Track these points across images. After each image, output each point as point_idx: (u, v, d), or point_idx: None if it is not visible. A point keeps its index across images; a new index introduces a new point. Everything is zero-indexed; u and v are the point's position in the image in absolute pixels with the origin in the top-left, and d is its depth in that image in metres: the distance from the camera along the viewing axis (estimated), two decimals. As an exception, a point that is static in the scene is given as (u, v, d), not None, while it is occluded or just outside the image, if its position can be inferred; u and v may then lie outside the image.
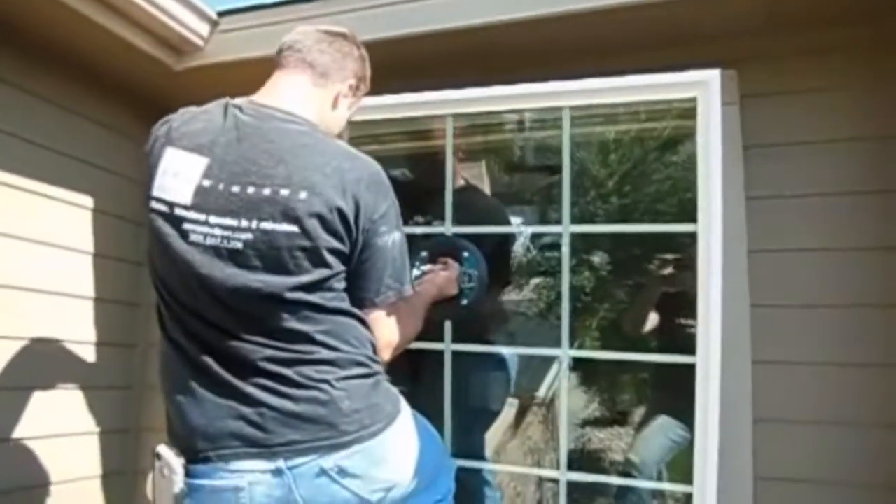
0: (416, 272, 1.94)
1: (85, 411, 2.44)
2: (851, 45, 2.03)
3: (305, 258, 1.30)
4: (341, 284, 1.37)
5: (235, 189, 1.30)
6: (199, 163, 1.31)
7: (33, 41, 2.21)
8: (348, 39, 1.57)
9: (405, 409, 1.47)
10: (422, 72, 2.21)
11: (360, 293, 1.41)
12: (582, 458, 2.11)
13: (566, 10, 1.99)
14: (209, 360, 1.31)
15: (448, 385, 2.16)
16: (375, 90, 1.73)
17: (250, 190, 1.29)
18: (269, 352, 1.30)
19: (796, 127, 2.08)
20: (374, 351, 1.43)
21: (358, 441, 1.32)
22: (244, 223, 1.28)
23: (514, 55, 2.22)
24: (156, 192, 1.33)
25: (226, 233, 1.29)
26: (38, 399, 2.25)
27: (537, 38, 2.13)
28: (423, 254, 2.02)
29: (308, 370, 1.30)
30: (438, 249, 2.04)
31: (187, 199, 1.30)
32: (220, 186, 1.30)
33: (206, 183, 1.30)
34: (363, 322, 1.42)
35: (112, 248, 2.57)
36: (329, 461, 1.30)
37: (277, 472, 1.28)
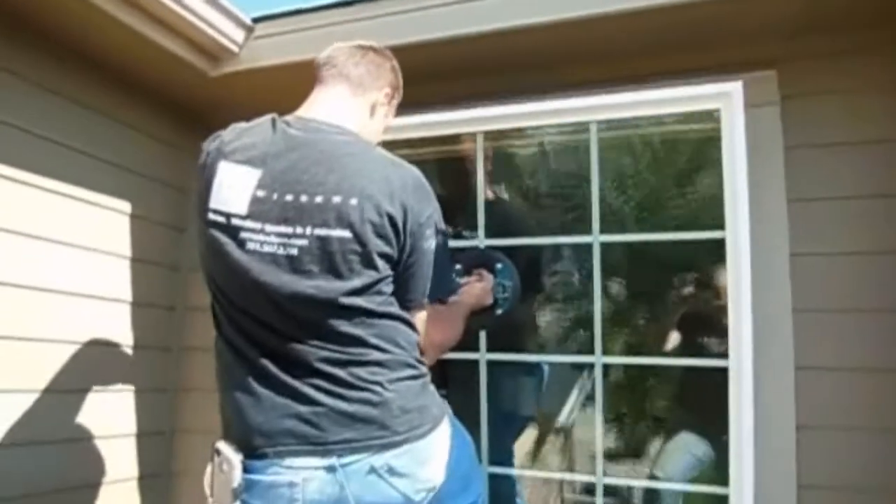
0: None
1: (122, 414, 2.49)
2: (897, 45, 2.00)
3: (357, 262, 1.37)
4: (389, 288, 1.44)
5: (289, 198, 1.37)
6: (253, 174, 1.39)
7: (73, 49, 2.27)
8: (379, 52, 1.66)
9: (448, 412, 1.53)
10: (445, 76, 2.26)
11: (406, 295, 1.47)
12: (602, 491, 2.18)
13: (605, 12, 1.98)
14: (266, 362, 1.37)
15: (484, 394, 2.27)
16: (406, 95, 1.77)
17: (303, 198, 1.37)
18: (323, 353, 1.36)
19: (841, 127, 2.04)
20: (421, 353, 1.50)
21: (407, 441, 1.38)
22: (299, 230, 1.36)
23: (547, 59, 2.23)
24: (212, 205, 1.40)
25: (282, 240, 1.36)
26: (77, 402, 2.30)
27: (573, 40, 2.13)
28: (458, 266, 2.10)
29: (361, 371, 1.37)
30: (472, 262, 2.14)
31: (243, 209, 1.38)
32: (274, 196, 1.37)
33: (261, 193, 1.38)
34: (411, 325, 1.48)
35: (148, 252, 2.62)
36: (380, 460, 1.35)
37: (330, 469, 1.34)
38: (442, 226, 1.52)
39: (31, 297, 2.17)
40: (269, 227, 1.36)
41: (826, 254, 2.01)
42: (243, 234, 1.37)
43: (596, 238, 2.18)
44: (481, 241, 2.31)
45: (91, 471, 2.34)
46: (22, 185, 2.14)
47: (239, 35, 2.36)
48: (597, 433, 2.20)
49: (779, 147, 2.04)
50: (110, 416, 2.43)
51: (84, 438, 2.32)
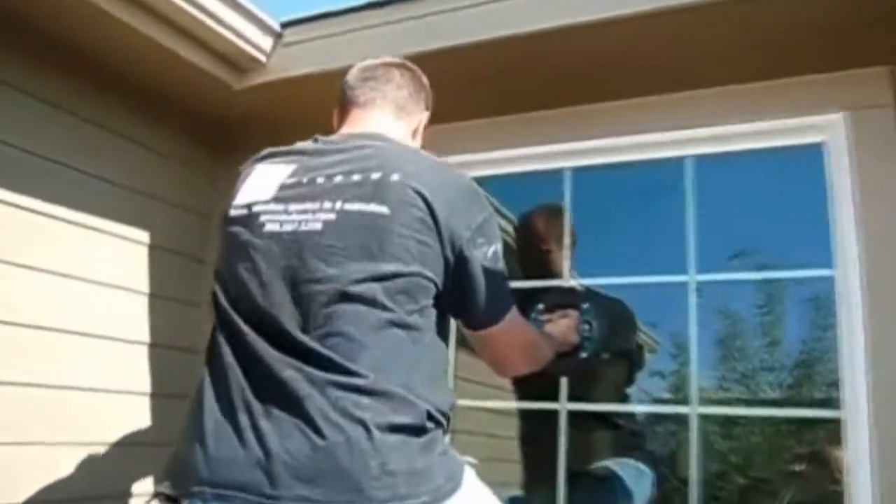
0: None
1: (138, 471, 2.49)
2: None
3: (391, 243, 1.31)
4: (425, 298, 1.36)
5: (320, 180, 1.40)
6: (285, 168, 1.45)
7: (80, 59, 2.30)
8: (416, 71, 1.71)
9: (469, 487, 1.35)
10: (494, 82, 2.29)
11: (469, 311, 1.47)
12: None
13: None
14: (237, 378, 1.30)
15: (563, 450, 2.28)
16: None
17: (337, 178, 1.39)
18: (307, 368, 1.26)
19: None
20: (448, 408, 1.38)
21: None
22: (327, 205, 1.35)
23: (617, 63, 2.21)
24: (236, 202, 1.45)
25: (304, 216, 1.36)
26: (86, 458, 2.30)
27: (653, 37, 2.08)
28: (540, 306, 2.17)
29: (345, 398, 1.23)
30: (556, 301, 2.19)
31: (268, 195, 1.41)
32: (304, 179, 1.41)
33: (290, 180, 1.42)
34: (438, 358, 1.42)
35: (169, 287, 2.66)
36: None
37: None
38: (498, 235, 1.49)
39: (38, 337, 2.20)
40: (292, 207, 1.38)
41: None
42: (263, 218, 1.39)
43: (692, 278, 2.24)
44: (566, 279, 2.38)
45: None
46: (26, 212, 2.18)
47: (266, 42, 2.38)
48: (690, 485, 2.18)
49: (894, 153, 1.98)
50: (128, 469, 2.45)
51: (99, 498, 2.33)
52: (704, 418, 2.27)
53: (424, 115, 1.71)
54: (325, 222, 1.34)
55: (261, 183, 1.45)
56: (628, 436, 2.54)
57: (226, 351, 1.34)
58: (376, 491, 1.18)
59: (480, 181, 2.61)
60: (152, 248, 2.60)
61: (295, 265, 1.33)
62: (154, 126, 2.62)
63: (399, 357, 1.31)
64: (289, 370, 1.27)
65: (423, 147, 1.67)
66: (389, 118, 1.61)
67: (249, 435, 1.24)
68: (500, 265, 1.49)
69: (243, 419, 1.26)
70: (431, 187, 1.36)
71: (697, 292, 2.24)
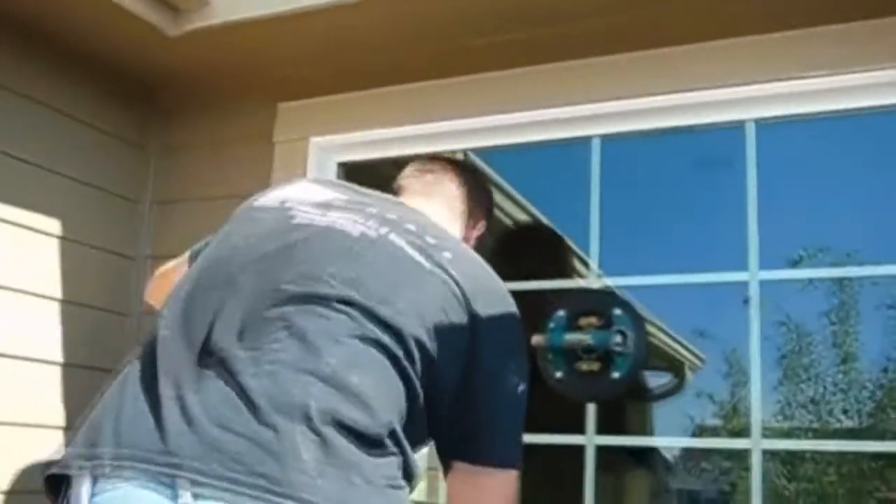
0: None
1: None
2: None
3: (417, 290, 1.33)
4: (416, 368, 1.32)
5: (373, 209, 1.46)
6: (337, 190, 1.56)
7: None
8: (476, 173, 1.89)
9: None
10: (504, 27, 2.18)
11: (475, 437, 1.39)
12: None
13: None
14: (176, 349, 1.29)
15: (591, 491, 2.19)
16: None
17: (391, 214, 1.45)
18: (266, 348, 1.24)
19: None
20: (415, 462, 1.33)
21: None
22: (372, 224, 1.41)
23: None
24: (264, 196, 1.54)
25: (343, 217, 1.42)
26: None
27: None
28: (561, 313, 2.10)
29: (294, 383, 1.20)
30: (581, 307, 2.12)
31: (308, 199, 1.49)
32: (356, 201, 1.50)
33: (341, 199, 1.50)
34: (421, 422, 1.33)
35: (88, 291, 2.55)
36: None
37: None
38: (524, 372, 1.46)
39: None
40: (333, 211, 1.44)
41: None
42: (294, 211, 1.45)
43: (753, 275, 2.13)
44: (592, 278, 2.32)
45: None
46: None
47: (212, -27, 2.24)
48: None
49: None
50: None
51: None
52: (767, 454, 2.21)
53: (481, 224, 1.82)
54: (364, 234, 1.40)
55: (302, 189, 1.56)
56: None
57: (167, 325, 1.33)
58: (300, 487, 1.11)
59: (481, 154, 2.51)
60: (65, 242, 2.49)
61: (312, 247, 1.37)
62: (68, 85, 2.52)
63: (374, 370, 1.27)
64: (241, 351, 1.25)
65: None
66: (445, 214, 1.69)
67: (171, 405, 1.22)
68: (523, 409, 1.47)
69: (167, 391, 1.24)
70: (478, 286, 1.40)
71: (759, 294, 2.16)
